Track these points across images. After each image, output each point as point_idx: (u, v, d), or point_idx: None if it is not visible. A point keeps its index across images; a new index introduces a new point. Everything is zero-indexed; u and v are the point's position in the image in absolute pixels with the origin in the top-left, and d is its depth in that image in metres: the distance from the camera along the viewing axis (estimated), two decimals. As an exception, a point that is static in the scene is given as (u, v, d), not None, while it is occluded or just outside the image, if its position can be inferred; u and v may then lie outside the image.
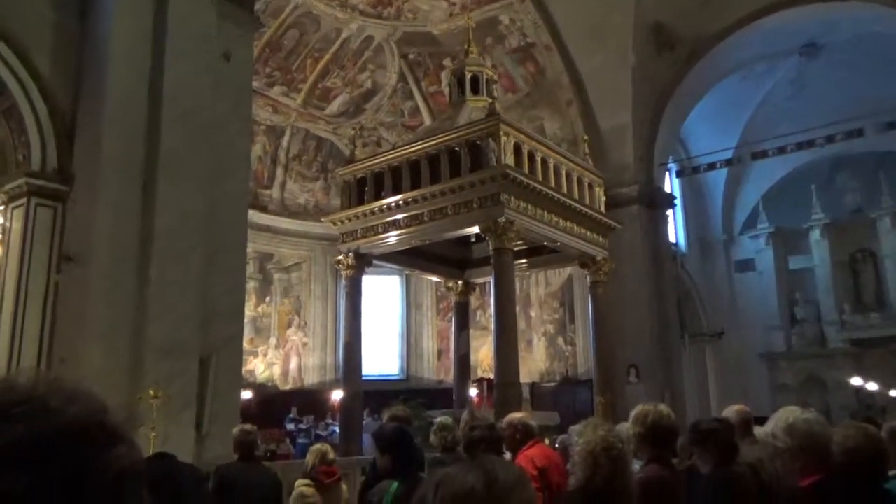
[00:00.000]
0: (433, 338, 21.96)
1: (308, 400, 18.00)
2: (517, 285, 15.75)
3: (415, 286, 21.92)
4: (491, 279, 13.34)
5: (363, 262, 14.39)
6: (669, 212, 20.60)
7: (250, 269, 16.94)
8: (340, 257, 14.53)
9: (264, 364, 19.24)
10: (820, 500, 2.62)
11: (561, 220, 13.81)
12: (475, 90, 14.88)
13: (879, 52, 19.86)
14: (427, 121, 19.91)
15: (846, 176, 25.75)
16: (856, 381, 23.11)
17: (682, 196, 24.38)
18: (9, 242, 9.39)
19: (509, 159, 12.60)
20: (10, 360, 8.74)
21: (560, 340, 19.91)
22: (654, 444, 3.44)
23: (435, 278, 18.52)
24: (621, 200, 17.60)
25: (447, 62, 19.18)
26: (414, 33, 19.46)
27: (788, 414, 2.84)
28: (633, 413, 3.57)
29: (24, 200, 9.24)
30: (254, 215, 15.17)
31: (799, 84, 22.35)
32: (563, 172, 14.22)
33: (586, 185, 14.92)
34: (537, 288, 20.45)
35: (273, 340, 19.55)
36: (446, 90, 17.26)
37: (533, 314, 20.32)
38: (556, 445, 7.20)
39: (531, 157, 13.36)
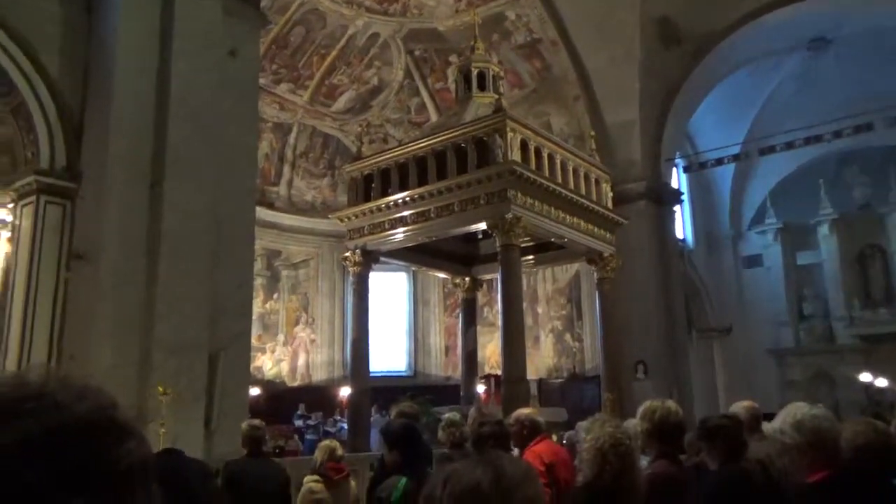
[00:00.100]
0: (440, 334, 21.98)
1: (316, 396, 18.05)
2: (524, 281, 15.73)
3: (422, 283, 21.94)
4: (498, 275, 13.33)
5: (370, 259, 14.40)
6: (677, 208, 20.55)
7: (258, 265, 16.98)
8: (347, 254, 14.54)
9: (272, 361, 19.30)
10: (828, 496, 2.62)
11: (568, 217, 13.78)
12: (481, 86, 14.85)
13: (890, 46, 19.74)
14: (433, 117, 19.90)
15: (854, 171, 25.59)
16: (865, 377, 23.02)
17: (690, 192, 24.27)
18: (18, 240, 9.44)
19: (516, 155, 12.58)
20: (21, 356, 8.80)
21: (567, 337, 19.89)
22: (661, 441, 3.44)
23: (442, 275, 18.52)
24: (628, 196, 17.56)
25: (453, 58, 19.16)
26: (420, 30, 19.45)
27: (796, 410, 2.84)
28: (640, 409, 3.57)
29: (33, 198, 9.28)
30: (261, 212, 15.20)
31: (807, 79, 22.23)
32: (570, 168, 14.19)
33: (593, 181, 14.88)
34: (544, 284, 20.43)
35: (281, 337, 19.61)
36: (452, 86, 17.23)
37: (540, 310, 20.31)
38: (564, 441, 7.21)
39: (538, 153, 13.33)
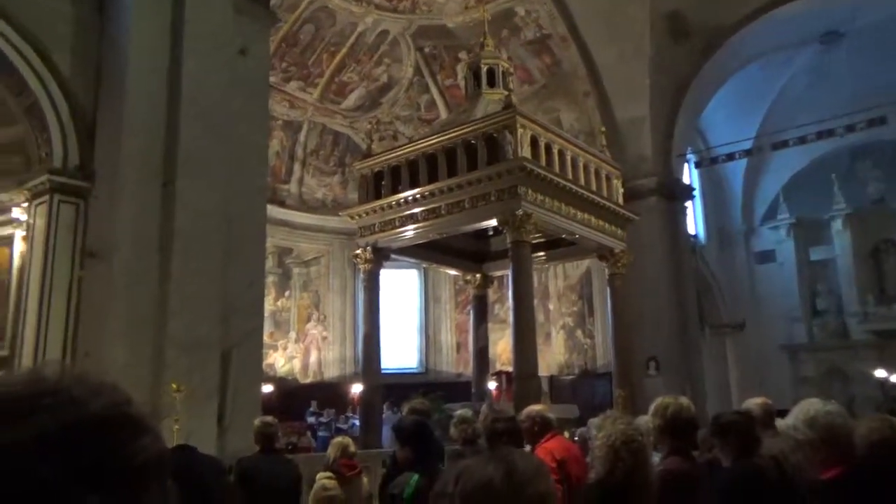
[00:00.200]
0: (452, 331, 21.99)
1: (328, 393, 18.09)
2: (535, 278, 15.71)
3: (433, 279, 21.95)
4: (509, 272, 13.33)
5: (381, 256, 14.42)
6: (688, 203, 20.44)
7: (269, 263, 17.03)
8: (358, 251, 14.56)
9: (284, 358, 19.38)
10: (843, 492, 2.60)
11: (579, 213, 13.75)
12: (491, 83, 14.84)
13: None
14: (443, 114, 19.89)
15: (868, 165, 25.34)
16: (879, 373, 22.83)
17: (701, 187, 24.15)
18: (33, 238, 9.53)
19: (526, 152, 12.56)
20: (36, 353, 8.89)
21: (579, 333, 19.85)
22: (674, 437, 3.43)
23: (453, 272, 18.52)
24: (639, 192, 17.50)
25: (463, 55, 19.14)
26: (429, 26, 19.43)
27: (810, 406, 2.82)
28: (653, 405, 3.56)
29: (46, 197, 9.36)
30: (272, 210, 15.24)
31: (819, 73, 22.05)
32: (581, 164, 14.16)
33: (604, 176, 14.84)
34: (555, 280, 20.39)
35: (293, 334, 19.67)
36: (462, 83, 17.22)
37: (551, 307, 20.27)
38: (576, 438, 7.21)
39: (548, 149, 13.30)
